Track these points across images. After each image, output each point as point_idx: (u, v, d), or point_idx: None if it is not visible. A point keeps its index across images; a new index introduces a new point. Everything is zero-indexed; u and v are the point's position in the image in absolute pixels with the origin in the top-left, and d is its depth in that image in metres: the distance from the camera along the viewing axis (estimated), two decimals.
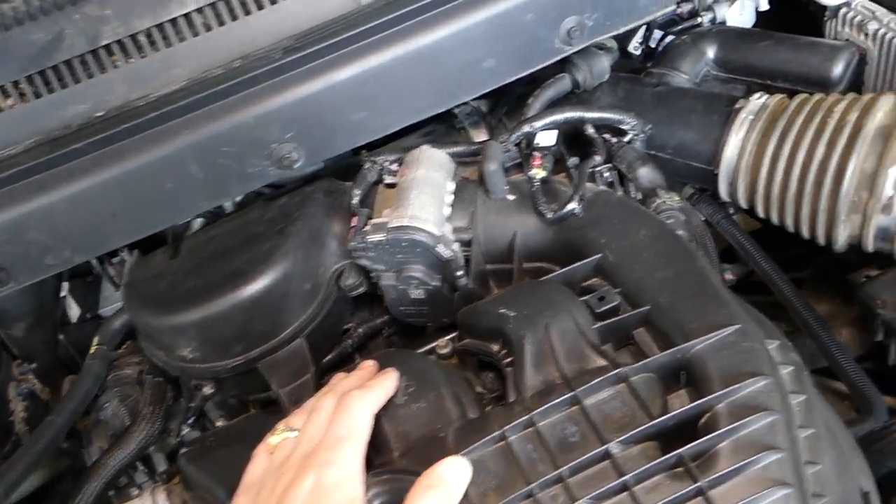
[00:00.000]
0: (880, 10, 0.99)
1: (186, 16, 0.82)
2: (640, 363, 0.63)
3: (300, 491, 0.58)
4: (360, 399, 0.65)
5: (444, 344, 0.84)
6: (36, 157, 0.83)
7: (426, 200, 0.83)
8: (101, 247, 0.86)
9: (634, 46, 1.19)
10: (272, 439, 0.66)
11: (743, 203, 0.90)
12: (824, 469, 0.59)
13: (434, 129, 1.05)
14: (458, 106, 1.04)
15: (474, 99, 1.01)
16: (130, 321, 0.98)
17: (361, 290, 0.90)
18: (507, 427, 0.61)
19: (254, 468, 0.65)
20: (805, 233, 0.85)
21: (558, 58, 0.89)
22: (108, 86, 0.82)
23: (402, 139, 1.03)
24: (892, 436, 0.74)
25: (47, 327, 1.12)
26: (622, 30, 0.93)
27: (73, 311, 1.17)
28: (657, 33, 1.20)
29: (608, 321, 0.69)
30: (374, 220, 0.83)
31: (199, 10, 0.82)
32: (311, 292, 0.88)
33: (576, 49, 0.89)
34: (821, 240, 0.83)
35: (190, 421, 0.95)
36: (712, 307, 0.66)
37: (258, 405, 0.96)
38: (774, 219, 0.87)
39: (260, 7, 0.83)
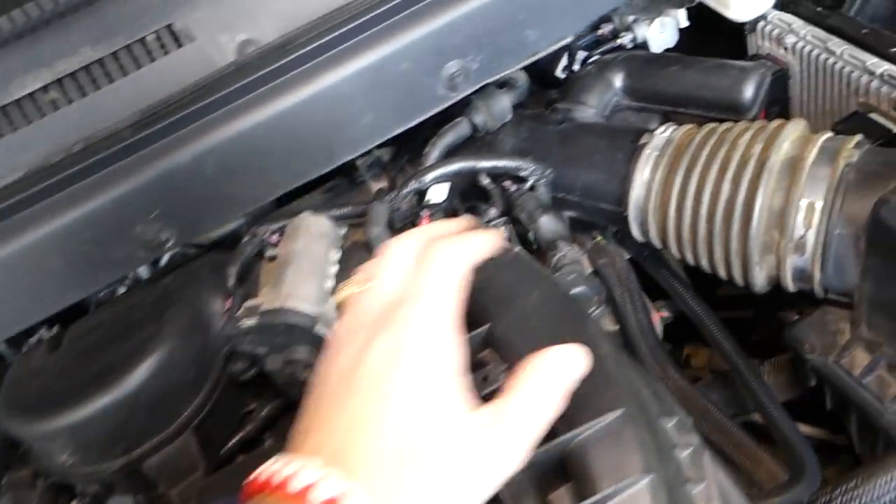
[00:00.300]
0: (797, 22, 0.92)
1: (32, 97, 0.76)
2: None
3: (375, 352, 0.45)
4: (446, 253, 0.52)
5: None
6: None
7: (303, 277, 0.76)
8: None
9: (560, 71, 1.13)
10: (339, 294, 0.53)
11: (657, 244, 0.83)
12: None
13: (336, 183, 0.99)
14: (360, 157, 0.97)
15: (377, 147, 0.95)
16: None
17: (251, 373, 0.83)
18: None
19: (333, 331, 0.51)
20: (722, 274, 0.77)
21: (444, 105, 0.83)
22: None
23: (301, 199, 0.97)
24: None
25: None
26: (514, 69, 0.86)
27: None
28: (581, 55, 1.13)
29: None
30: (247, 303, 0.76)
31: (44, 89, 0.76)
32: (197, 381, 0.81)
33: (462, 95, 0.83)
34: (739, 281, 0.76)
35: None
36: (597, 387, 0.59)
37: None
38: (690, 260, 0.80)
39: (110, 80, 0.77)
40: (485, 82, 0.84)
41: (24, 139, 0.77)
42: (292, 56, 0.76)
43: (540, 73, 1.11)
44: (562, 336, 0.65)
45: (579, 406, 0.57)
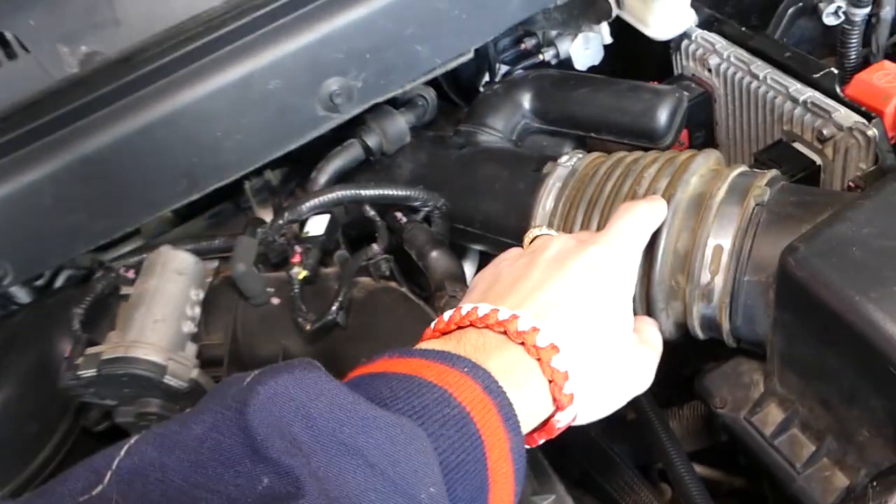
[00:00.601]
0: (720, 43, 0.85)
1: None
2: None
3: (584, 258, 0.51)
4: (642, 212, 0.58)
5: None
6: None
7: (155, 319, 0.67)
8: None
9: (483, 86, 1.05)
10: (531, 233, 0.59)
11: None
12: None
13: (221, 209, 0.90)
14: (248, 178, 0.88)
15: (264, 168, 0.86)
16: None
17: (104, 425, 0.73)
18: None
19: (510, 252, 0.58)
20: None
21: (326, 128, 0.74)
22: None
23: (186, 224, 0.88)
24: None
25: None
26: (404, 88, 0.78)
27: None
28: (503, 69, 1.06)
29: None
30: (88, 350, 0.67)
31: None
32: (41, 434, 0.72)
33: (347, 116, 0.74)
34: None
35: None
36: None
37: None
38: None
39: None
40: (372, 102, 0.75)
41: None
42: (146, 69, 0.67)
43: (462, 88, 1.03)
44: None
45: None
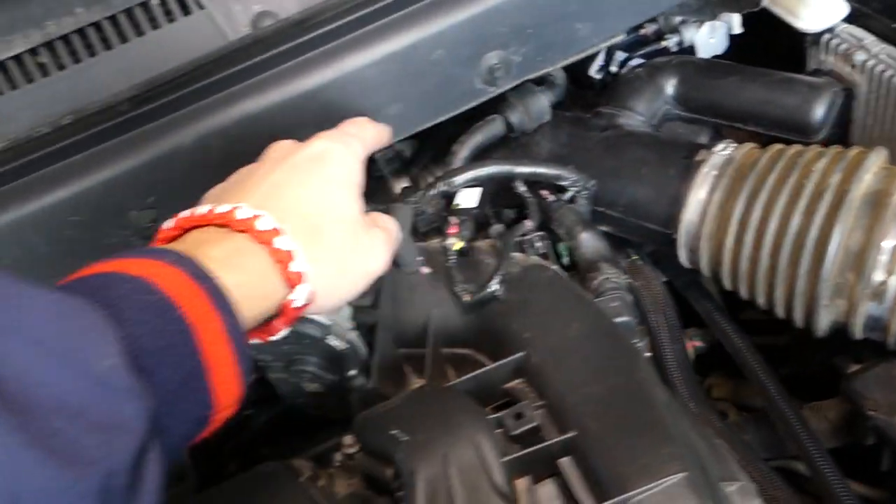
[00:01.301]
0: (869, 38, 0.84)
1: (18, 59, 0.67)
2: None
3: (307, 151, 0.54)
4: (367, 119, 0.62)
5: (350, 442, 0.69)
6: None
7: None
8: None
9: (595, 71, 1.04)
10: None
11: (706, 272, 0.75)
12: None
13: None
14: (378, 151, 0.89)
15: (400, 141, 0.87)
16: None
17: (250, 379, 0.75)
18: None
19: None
20: (780, 313, 0.70)
21: (480, 100, 0.74)
22: None
23: None
24: None
25: None
26: (560, 65, 0.78)
27: None
28: (620, 55, 1.05)
29: (525, 452, 0.54)
30: None
31: (33, 51, 0.67)
32: None
33: (502, 90, 0.74)
34: (798, 323, 0.68)
35: None
36: (653, 444, 0.51)
37: None
38: (744, 294, 0.72)
39: (107, 47, 0.68)
40: (527, 77, 0.75)
41: (8, 106, 0.68)
42: (314, 34, 0.67)
43: (571, 71, 1.03)
44: (607, 377, 0.57)
45: (634, 463, 0.50)
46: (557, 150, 0.82)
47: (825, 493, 0.68)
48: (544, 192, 0.76)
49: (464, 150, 0.80)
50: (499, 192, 0.78)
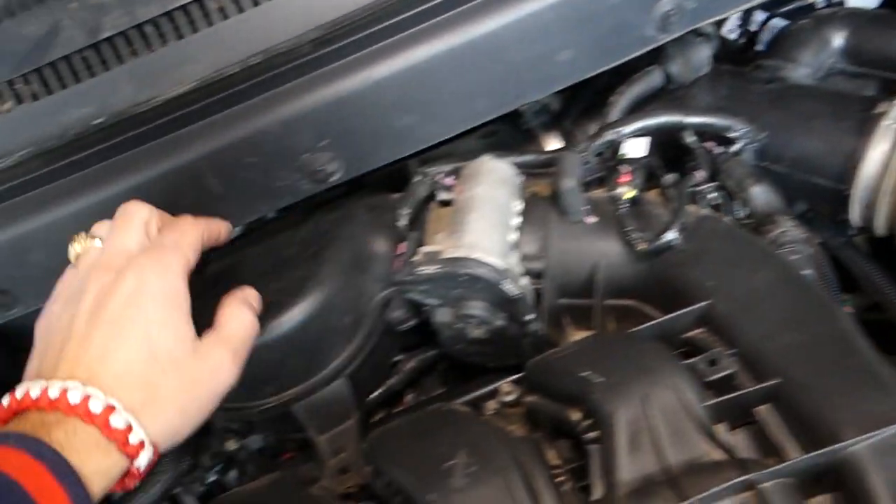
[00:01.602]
0: None
1: (199, 2, 0.69)
2: (775, 468, 0.47)
3: (120, 292, 0.53)
4: (191, 220, 0.61)
5: (508, 389, 0.71)
6: (35, 168, 0.71)
7: (488, 225, 0.68)
8: None
9: (730, 30, 1.01)
10: (75, 247, 0.60)
11: (882, 230, 0.72)
12: None
13: (496, 129, 0.90)
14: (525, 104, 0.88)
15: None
16: None
17: (411, 323, 0.76)
18: None
19: (62, 280, 0.59)
20: None
21: (650, 47, 0.73)
22: (111, 85, 0.69)
23: (457, 142, 0.89)
24: None
25: None
26: (731, 12, 0.76)
27: None
28: (759, 15, 1.02)
29: (724, 397, 0.54)
30: (425, 249, 0.69)
31: None
32: (353, 326, 0.75)
33: (672, 37, 0.72)
34: None
35: (216, 469, 0.82)
36: (870, 392, 0.50)
37: (294, 446, 0.83)
38: None
39: None
40: (698, 25, 0.74)
41: (190, 49, 0.69)
42: None
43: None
44: (807, 325, 0.56)
45: (850, 412, 0.49)
46: (716, 104, 0.80)
47: None
48: (709, 145, 0.75)
49: (622, 101, 0.79)
50: (660, 144, 0.77)
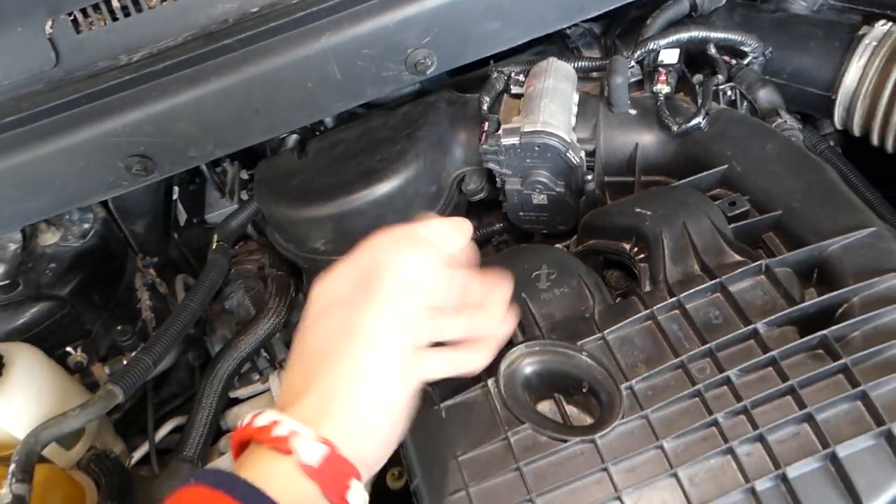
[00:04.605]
0: None
1: None
2: (779, 258, 0.67)
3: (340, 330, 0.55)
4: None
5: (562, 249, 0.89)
6: (188, 51, 0.87)
7: (555, 109, 0.87)
8: (241, 141, 0.91)
9: None
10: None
11: (857, 130, 0.92)
12: None
13: (546, 48, 1.08)
14: (569, 28, 1.06)
15: (587, 21, 1.04)
16: (245, 222, 1.04)
17: (482, 195, 0.94)
18: (654, 308, 0.66)
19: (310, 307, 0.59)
20: None
21: None
22: None
23: (515, 57, 1.07)
24: None
25: (162, 227, 1.18)
26: None
27: (181, 215, 1.23)
28: None
29: (741, 223, 0.73)
30: (506, 126, 0.87)
31: None
32: (436, 194, 0.93)
33: None
34: None
35: None
36: (846, 211, 0.70)
37: None
38: (889, 147, 0.90)
39: None
40: None
41: None
42: None
43: None
44: (803, 175, 0.75)
45: (831, 223, 0.68)
46: (733, 29, 0.99)
47: None
48: (726, 58, 0.94)
49: (656, 24, 0.97)
50: (687, 57, 0.96)
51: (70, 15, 0.87)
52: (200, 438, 0.92)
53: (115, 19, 0.87)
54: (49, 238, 1.02)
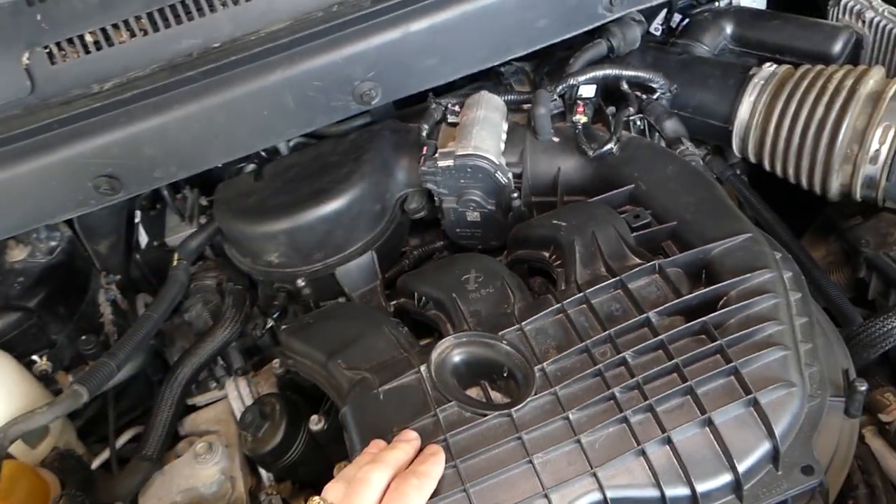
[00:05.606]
0: (876, 0, 1.14)
1: None
2: (670, 259, 0.78)
3: None
4: (418, 489, 0.64)
5: None
6: (154, 81, 0.96)
7: (486, 135, 0.98)
8: (203, 164, 1.00)
9: (655, 28, 1.34)
10: None
11: (752, 157, 1.05)
12: (814, 347, 0.75)
13: (482, 84, 1.20)
14: (503, 65, 1.19)
15: (519, 60, 1.17)
16: (204, 242, 1.12)
17: (422, 214, 1.04)
18: (565, 302, 0.76)
19: None
20: (804, 182, 1.00)
21: (601, 22, 1.04)
22: (216, 24, 0.96)
23: (454, 91, 1.18)
24: (864, 332, 0.89)
25: (124, 248, 1.25)
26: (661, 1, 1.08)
27: (143, 238, 1.30)
28: (677, 17, 1.35)
29: (642, 232, 0.84)
30: (442, 150, 0.98)
31: None
32: (380, 213, 1.03)
33: (616, 15, 1.04)
34: (817, 188, 0.99)
35: (275, 315, 1.08)
36: (728, 221, 0.81)
37: None
38: (778, 171, 1.03)
39: None
40: (634, 9, 1.05)
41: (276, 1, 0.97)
42: None
43: None
44: (696, 192, 0.87)
45: (714, 232, 0.80)
46: (643, 67, 1.12)
47: (831, 305, 0.98)
48: (637, 93, 1.06)
49: (578, 62, 1.10)
50: (603, 93, 1.08)
51: (46, 48, 0.96)
52: (159, 439, 0.99)
53: (87, 52, 0.97)
54: (18, 254, 1.09)
